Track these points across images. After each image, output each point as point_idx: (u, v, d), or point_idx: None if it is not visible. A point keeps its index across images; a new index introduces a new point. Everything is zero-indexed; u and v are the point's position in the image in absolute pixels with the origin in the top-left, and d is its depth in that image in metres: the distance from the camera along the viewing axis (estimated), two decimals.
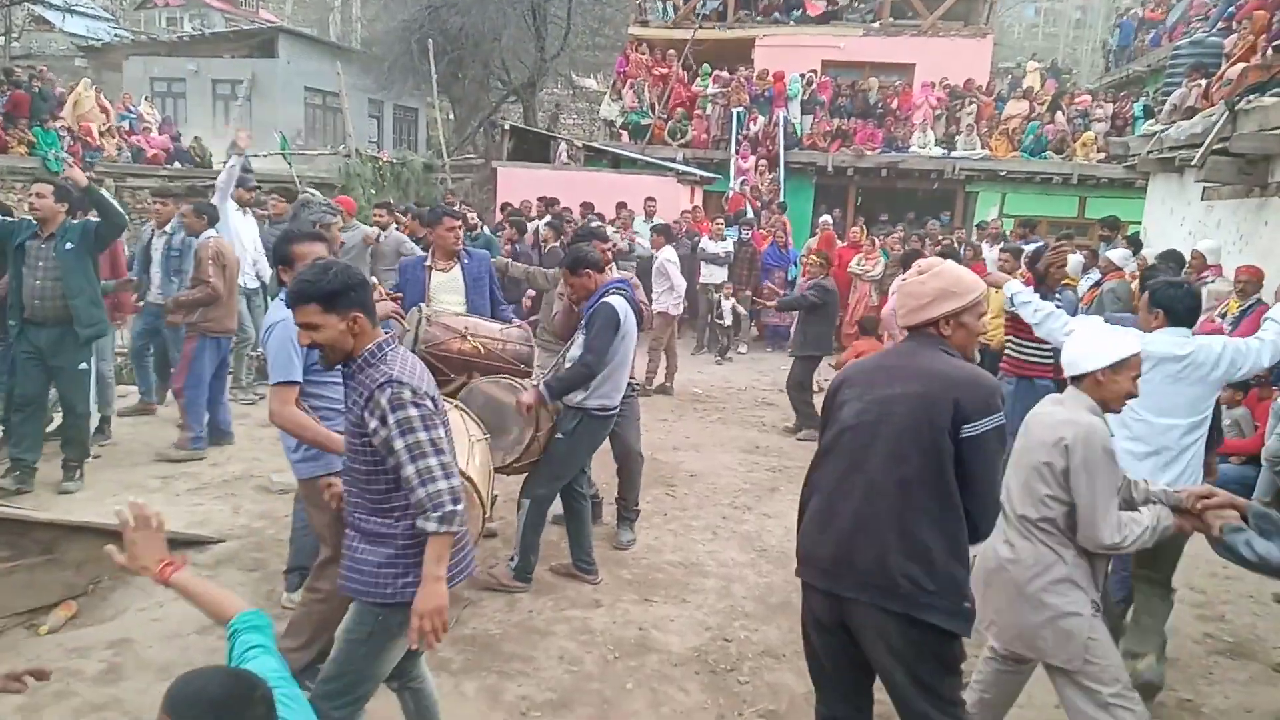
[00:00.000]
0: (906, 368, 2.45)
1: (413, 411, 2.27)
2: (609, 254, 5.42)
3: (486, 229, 10.48)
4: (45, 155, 14.04)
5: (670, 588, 4.50)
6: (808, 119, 16.51)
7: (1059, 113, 16.13)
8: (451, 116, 23.63)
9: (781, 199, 14.55)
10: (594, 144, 15.61)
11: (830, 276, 8.09)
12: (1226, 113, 7.18)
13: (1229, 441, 5.81)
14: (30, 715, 3.18)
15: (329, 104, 22.74)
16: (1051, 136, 15.71)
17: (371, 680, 2.49)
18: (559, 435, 4.31)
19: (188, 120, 20.75)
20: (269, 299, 7.52)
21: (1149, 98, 14.97)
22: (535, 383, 4.28)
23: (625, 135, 16.42)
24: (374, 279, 6.56)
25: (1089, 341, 2.75)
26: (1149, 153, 9.72)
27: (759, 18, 18.19)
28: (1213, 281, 6.92)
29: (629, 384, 4.75)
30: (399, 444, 2.26)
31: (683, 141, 16.22)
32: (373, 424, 2.29)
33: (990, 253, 10.53)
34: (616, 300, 4.27)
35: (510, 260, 7.07)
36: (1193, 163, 7.90)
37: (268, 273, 7.51)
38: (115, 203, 5.41)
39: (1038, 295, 4.54)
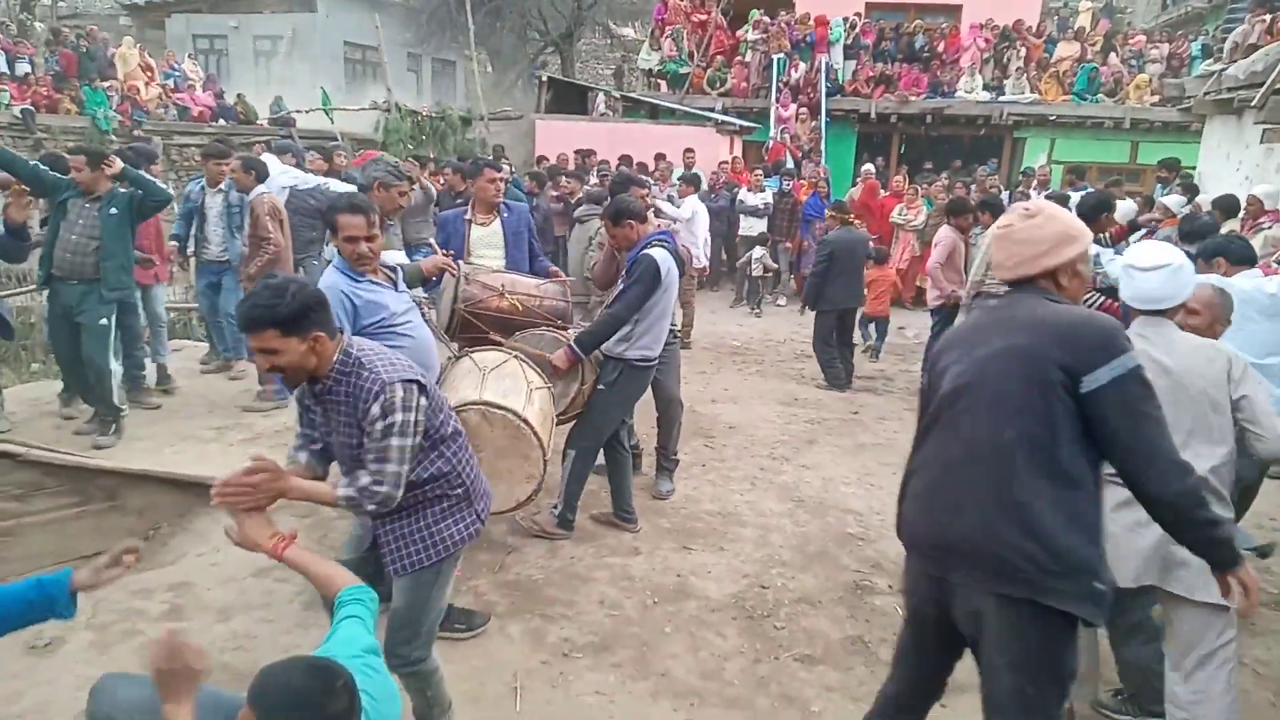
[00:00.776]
0: (1007, 321, 2.17)
1: (398, 417, 2.31)
2: (647, 199, 5.41)
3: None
4: (95, 114, 14.31)
5: (708, 536, 4.58)
6: (850, 64, 16.11)
7: (1112, 54, 15.54)
8: (489, 69, 23.49)
9: (822, 148, 14.30)
10: (632, 94, 15.43)
11: (850, 226, 8.04)
12: None
13: None
14: (101, 651, 3.38)
15: (368, 58, 22.75)
16: (1104, 79, 15.16)
17: (438, 614, 2.74)
18: (601, 387, 4.36)
19: (230, 77, 20.94)
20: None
21: (1208, 36, 14.38)
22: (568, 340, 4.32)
23: (664, 85, 16.21)
24: (430, 239, 6.63)
25: (1177, 273, 2.74)
26: (1206, 94, 9.35)
27: None
28: (1270, 228, 6.70)
29: (670, 331, 4.77)
30: (377, 438, 2.32)
31: (722, 90, 15.95)
32: (373, 424, 2.33)
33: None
34: (659, 252, 4.26)
35: None
36: (1253, 103, 7.60)
37: None
38: (156, 181, 5.56)
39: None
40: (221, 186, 6.54)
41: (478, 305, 4.40)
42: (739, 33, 16.43)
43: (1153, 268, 2.78)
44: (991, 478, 2.05)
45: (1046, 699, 2.06)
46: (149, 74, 16.33)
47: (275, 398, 6.09)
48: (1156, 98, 14.45)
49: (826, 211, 8.59)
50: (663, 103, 15.05)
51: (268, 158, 7.27)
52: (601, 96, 15.02)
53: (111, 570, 2.11)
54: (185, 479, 4.60)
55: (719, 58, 16.34)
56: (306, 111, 15.14)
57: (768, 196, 11.40)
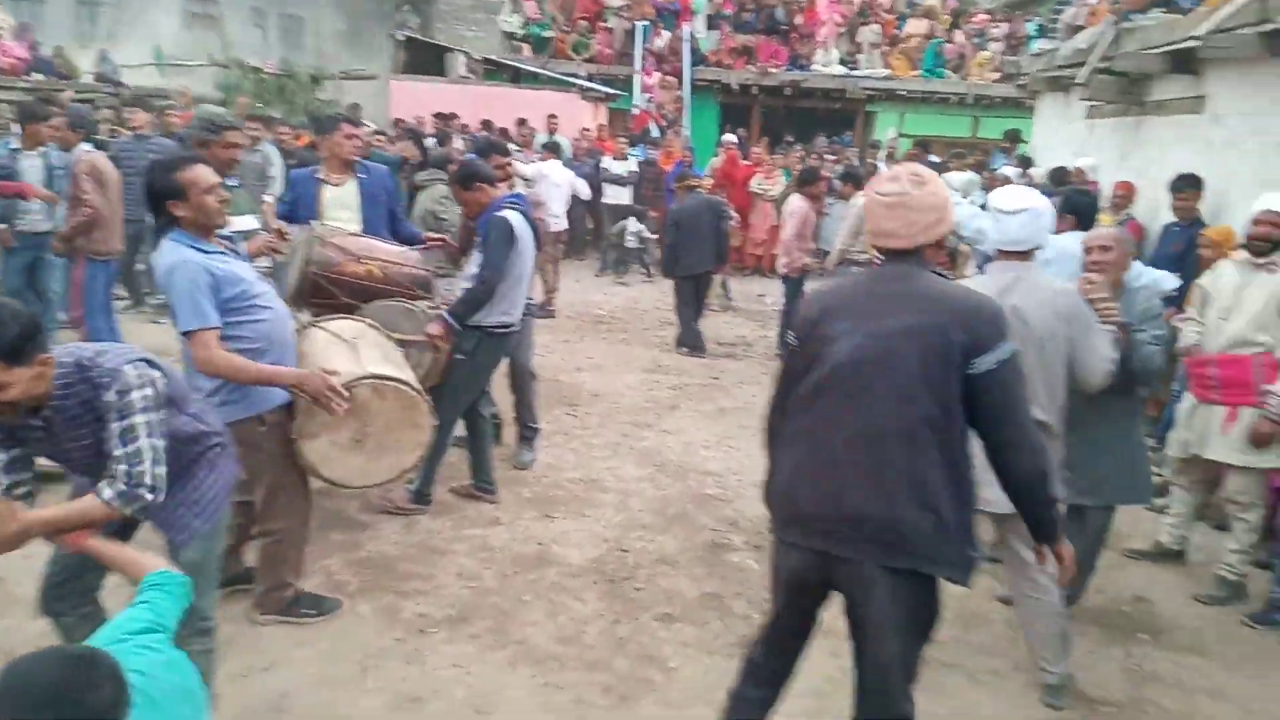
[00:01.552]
0: (904, 296, 2.13)
1: (135, 396, 2.14)
2: (509, 169, 5.27)
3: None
4: None
5: (569, 504, 4.56)
6: (713, 34, 16.27)
7: (958, 32, 16.32)
8: (343, 26, 22.34)
9: (686, 118, 14.40)
10: (493, 57, 15.04)
11: (697, 192, 8.26)
12: (1112, 30, 7.38)
13: None
14: None
15: (207, 10, 21.17)
16: (950, 56, 15.91)
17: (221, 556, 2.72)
18: (459, 355, 4.23)
19: (46, 27, 19.01)
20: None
21: (1043, 17, 15.26)
22: (436, 308, 4.16)
23: (526, 49, 15.87)
24: (267, 197, 6.19)
25: (1038, 217, 2.99)
26: (1039, 71, 9.94)
27: None
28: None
29: (527, 302, 4.68)
30: (115, 426, 2.14)
31: (586, 56, 15.79)
32: (112, 411, 2.16)
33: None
34: (510, 214, 4.17)
35: None
36: (1078, 80, 8.12)
37: None
38: None
39: None
40: (41, 149, 5.93)
41: (332, 270, 4.17)
42: None
43: (1016, 210, 2.97)
44: (895, 455, 2.06)
45: (919, 653, 2.23)
46: None
47: None
48: (997, 75, 15.30)
49: (675, 185, 8.77)
50: (526, 67, 14.75)
51: None
52: (462, 58, 14.55)
53: None
54: None
55: (583, 23, 16.14)
56: (136, 67, 13.96)
57: (632, 165, 11.39)
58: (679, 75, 15.40)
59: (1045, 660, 3.14)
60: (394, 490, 4.31)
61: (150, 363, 2.24)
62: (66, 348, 2.24)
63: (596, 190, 11.52)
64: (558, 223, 9.14)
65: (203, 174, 2.89)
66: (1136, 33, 7.14)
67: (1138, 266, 3.58)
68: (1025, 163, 9.93)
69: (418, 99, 13.07)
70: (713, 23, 16.35)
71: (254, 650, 3.16)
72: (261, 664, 3.09)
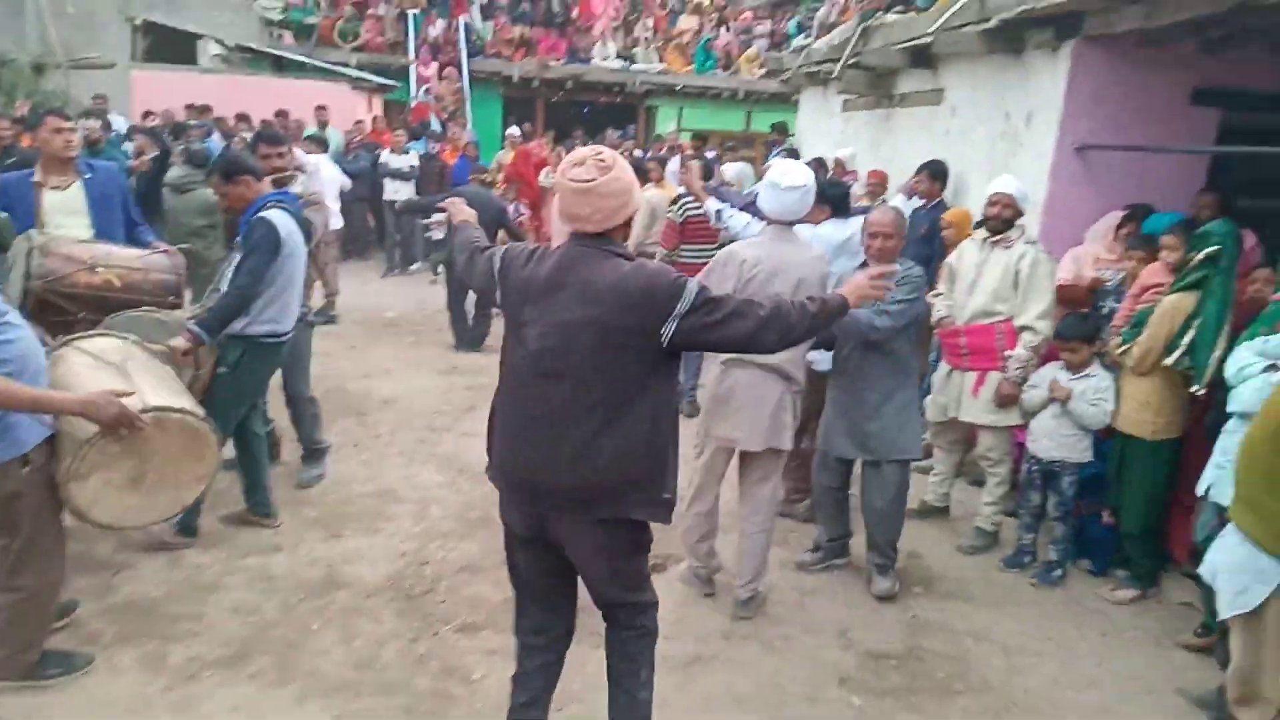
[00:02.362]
0: (583, 286, 2.20)
1: None
2: (288, 162, 4.85)
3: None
4: None
5: (361, 519, 4.30)
6: (489, 25, 16.00)
7: (725, 29, 17.05)
8: (70, 9, 19.90)
9: (467, 110, 14.08)
10: (249, 45, 13.93)
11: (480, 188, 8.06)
12: (860, 27, 7.95)
13: None
14: None
15: None
16: (719, 53, 16.60)
17: None
18: (221, 369, 3.85)
19: None
20: None
21: (802, 15, 16.25)
22: (187, 319, 3.75)
23: (287, 35, 14.85)
24: None
25: (807, 194, 3.48)
26: (799, 67, 10.56)
27: None
28: (850, 186, 7.74)
29: (301, 315, 4.32)
30: None
31: (355, 44, 15.01)
32: None
33: (673, 165, 10.99)
34: (276, 214, 3.84)
35: None
36: (833, 75, 8.69)
37: None
38: None
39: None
40: None
41: (61, 282, 3.68)
42: None
43: (794, 187, 3.42)
44: (577, 433, 2.22)
45: (639, 565, 2.48)
46: None
47: None
48: (763, 70, 16.14)
49: (471, 180, 8.47)
50: (289, 54, 13.80)
51: None
52: (213, 45, 13.39)
53: None
54: None
55: (349, 8, 15.34)
56: None
57: (413, 159, 10.95)
58: (457, 66, 15.01)
59: (743, 578, 3.64)
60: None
61: None
62: None
63: (377, 187, 10.99)
64: (335, 221, 8.60)
65: None
66: (882, 30, 7.73)
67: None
68: (793, 154, 10.51)
69: (165, 90, 11.88)
70: (487, 12, 16.07)
71: None
72: None
